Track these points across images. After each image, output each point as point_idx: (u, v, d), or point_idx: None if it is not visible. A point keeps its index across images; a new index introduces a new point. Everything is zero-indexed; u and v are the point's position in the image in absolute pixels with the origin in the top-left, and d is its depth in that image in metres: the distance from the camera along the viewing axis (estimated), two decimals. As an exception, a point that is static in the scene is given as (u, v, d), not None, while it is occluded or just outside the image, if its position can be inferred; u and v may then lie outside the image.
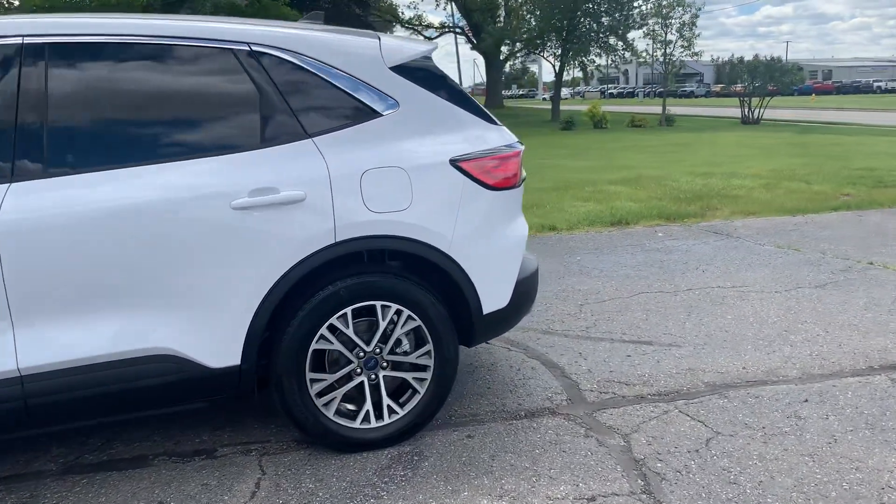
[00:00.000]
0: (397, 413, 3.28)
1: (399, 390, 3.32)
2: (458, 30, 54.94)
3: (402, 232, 3.11)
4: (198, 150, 2.94)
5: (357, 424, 3.22)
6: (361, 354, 3.19)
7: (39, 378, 2.69)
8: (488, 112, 3.53)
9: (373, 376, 3.22)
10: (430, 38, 54.31)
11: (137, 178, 2.81)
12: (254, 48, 3.02)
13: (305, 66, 3.08)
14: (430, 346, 3.27)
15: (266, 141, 3.01)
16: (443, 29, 55.04)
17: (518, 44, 49.26)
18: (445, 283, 3.28)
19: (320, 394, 3.16)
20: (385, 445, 3.27)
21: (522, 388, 3.87)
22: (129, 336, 2.83)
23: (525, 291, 3.55)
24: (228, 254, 2.90)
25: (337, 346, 3.13)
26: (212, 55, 3.00)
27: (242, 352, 2.97)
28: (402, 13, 53.71)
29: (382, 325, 3.18)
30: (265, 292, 2.95)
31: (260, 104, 3.02)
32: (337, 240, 3.01)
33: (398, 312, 3.19)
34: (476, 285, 3.29)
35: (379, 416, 3.25)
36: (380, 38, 3.28)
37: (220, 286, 2.91)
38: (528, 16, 45.62)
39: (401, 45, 3.32)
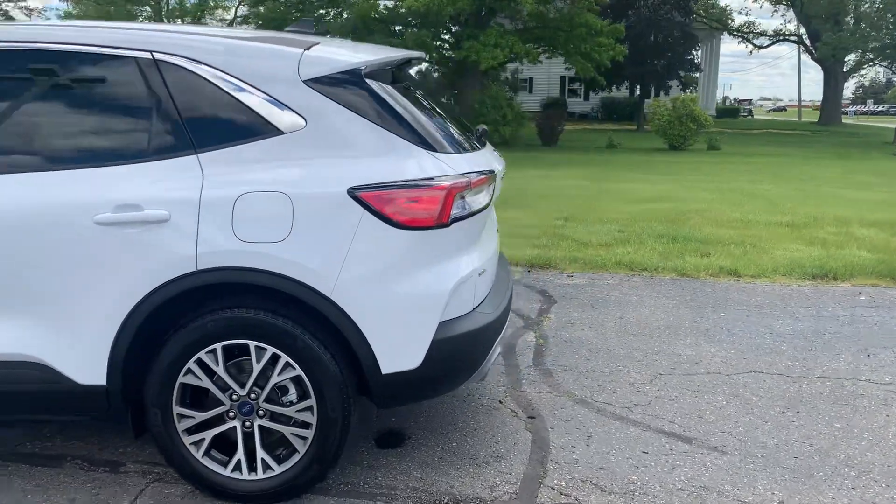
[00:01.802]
0: (272, 469, 2.91)
1: (278, 443, 2.94)
2: (793, 38, 49.96)
3: (273, 267, 2.72)
4: (77, 161, 2.86)
5: (227, 472, 2.92)
6: (235, 397, 2.86)
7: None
8: (445, 136, 2.99)
9: (247, 423, 2.89)
10: (760, 48, 50.15)
11: (7, 185, 2.80)
12: (156, 56, 2.85)
13: (207, 77, 2.83)
14: (312, 401, 2.83)
15: (151, 154, 2.83)
16: (777, 37, 50.43)
17: (869, 54, 43.52)
18: (335, 332, 2.81)
19: (190, 431, 2.91)
20: (259, 501, 2.92)
21: (480, 467, 3.23)
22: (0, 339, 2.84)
23: (454, 354, 2.92)
24: (90, 269, 2.78)
25: (206, 383, 2.86)
26: (110, 63, 2.89)
27: (107, 372, 2.83)
28: (732, 20, 50.22)
29: (257, 368, 2.83)
30: (126, 313, 2.77)
31: (153, 115, 2.85)
32: (199, 268, 2.73)
33: (275, 357, 2.81)
34: (369, 339, 2.77)
35: (252, 469, 2.91)
36: (307, 49, 2.90)
37: (82, 300, 2.80)
38: (881, 21, 40.04)
39: (327, 56, 2.91)
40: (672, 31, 37.31)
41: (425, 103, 3.45)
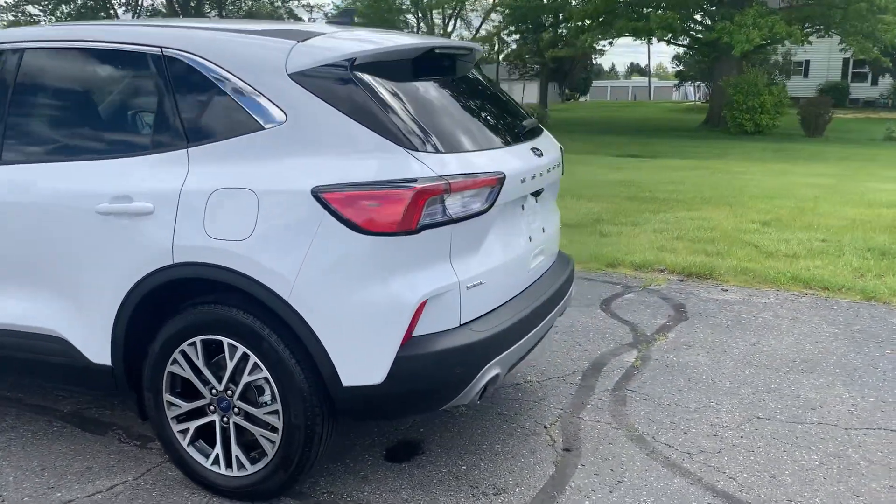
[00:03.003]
0: (245, 469, 2.89)
1: (254, 444, 2.90)
2: None
3: (236, 265, 2.68)
4: (92, 152, 3.05)
5: (208, 464, 2.95)
6: (214, 392, 2.88)
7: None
8: (442, 133, 2.77)
9: (225, 419, 2.90)
10: None
11: (27, 175, 3.06)
12: (165, 52, 2.93)
13: (205, 72, 2.86)
14: (278, 406, 2.76)
15: (151, 147, 2.93)
16: None
17: None
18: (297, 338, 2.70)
19: (178, 419, 2.98)
20: (233, 498, 2.93)
21: (475, 497, 2.96)
22: (28, 313, 3.13)
23: (426, 373, 2.67)
24: (94, 255, 2.95)
25: (189, 374, 2.90)
26: (124, 59, 3.03)
27: (111, 353, 2.99)
28: None
29: (230, 365, 2.83)
30: (121, 299, 2.91)
31: (157, 110, 2.94)
32: (175, 261, 2.78)
33: (245, 356, 2.78)
34: (328, 348, 2.63)
35: (228, 465, 2.92)
36: (301, 41, 2.80)
37: (90, 283, 2.98)
38: None
39: (316, 48, 2.78)
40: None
41: (464, 97, 3.19)
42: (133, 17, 47.31)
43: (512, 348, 2.94)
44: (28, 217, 3.05)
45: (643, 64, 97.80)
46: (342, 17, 3.49)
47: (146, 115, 2.96)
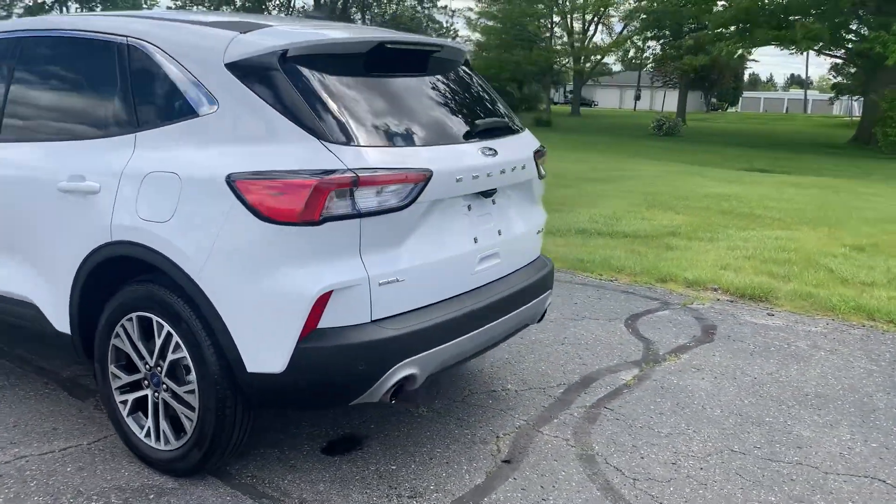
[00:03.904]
0: (171, 443, 3.00)
1: (179, 421, 3.00)
2: None
3: (157, 245, 2.81)
4: (61, 134, 3.28)
5: (141, 436, 3.09)
6: (148, 367, 3.02)
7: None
8: (369, 126, 2.79)
9: (156, 394, 3.02)
10: None
11: (3, 153, 3.34)
12: (129, 41, 3.09)
13: (158, 61, 3.00)
14: (194, 385, 2.85)
15: (109, 130, 3.11)
16: None
17: None
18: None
19: (121, 390, 3.14)
20: (158, 470, 3.04)
21: (389, 499, 2.91)
22: (7, 279, 3.39)
23: (329, 366, 2.68)
24: (55, 228, 3.16)
25: (128, 348, 3.05)
26: (95, 48, 3.21)
27: (69, 322, 3.20)
28: None
29: (158, 343, 2.95)
30: (75, 273, 3.10)
31: (117, 96, 3.12)
32: (112, 239, 2.94)
33: (170, 335, 2.89)
34: (232, 333, 2.69)
35: (157, 438, 3.04)
36: (244, 32, 2.88)
37: (53, 255, 3.21)
38: None
39: (253, 39, 2.84)
40: None
41: (423, 94, 3.16)
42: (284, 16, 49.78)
43: (434, 350, 2.88)
44: (5, 191, 3.30)
45: (810, 75, 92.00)
46: (318, 13, 3.53)
47: (109, 101, 3.13)
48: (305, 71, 2.78)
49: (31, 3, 46.27)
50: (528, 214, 3.57)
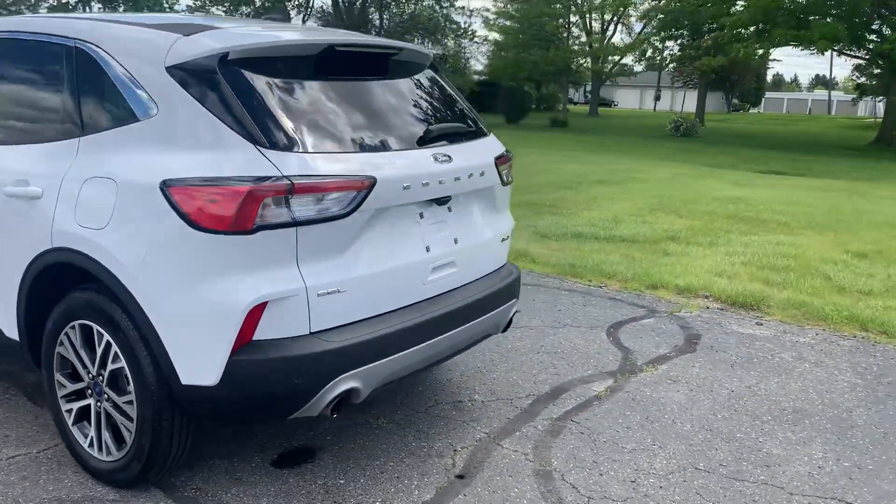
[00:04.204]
0: (112, 454, 2.94)
1: (120, 431, 2.94)
2: None
3: (94, 253, 2.75)
4: (11, 137, 3.22)
5: (85, 445, 3.04)
6: (91, 376, 2.96)
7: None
8: (308, 131, 2.72)
9: (98, 403, 2.96)
10: None
11: None
12: (77, 44, 3.04)
13: (104, 65, 2.94)
14: (132, 396, 2.79)
15: (55, 135, 3.05)
16: None
17: None
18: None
19: (66, 399, 3.09)
20: (104, 482, 2.99)
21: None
22: None
23: (264, 379, 2.60)
24: (2, 232, 3.10)
25: (72, 356, 3.00)
26: (42, 51, 3.16)
27: (17, 329, 3.15)
28: None
29: (99, 351, 2.89)
30: (20, 279, 3.05)
31: (64, 100, 3.06)
32: (53, 245, 2.88)
33: (110, 344, 2.83)
34: (165, 343, 2.63)
35: (100, 448, 2.98)
36: (188, 35, 2.81)
37: (1, 259, 3.14)
38: None
39: (195, 42, 2.76)
40: None
41: (375, 98, 3.07)
42: (303, 19, 50.02)
43: (379, 363, 2.79)
44: None
45: (835, 75, 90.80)
46: (276, 14, 3.45)
47: (56, 103, 3.07)
48: (247, 74, 2.71)
49: (55, 3, 46.87)
50: (490, 222, 3.47)
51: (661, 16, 31.73)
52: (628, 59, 42.87)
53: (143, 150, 2.72)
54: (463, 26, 47.70)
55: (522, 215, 9.05)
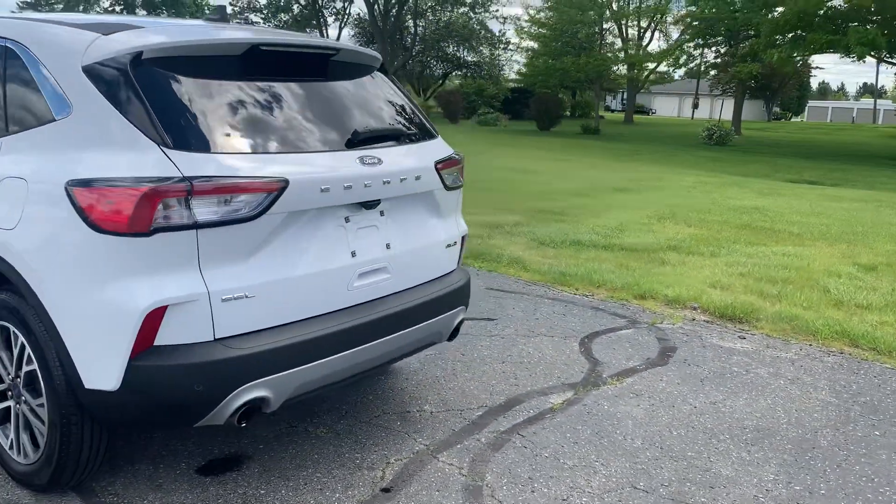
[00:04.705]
0: (29, 457, 2.91)
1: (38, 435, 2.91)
2: None
3: (4, 253, 2.71)
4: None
5: (6, 447, 3.01)
6: (10, 378, 2.93)
7: None
8: (218, 132, 2.67)
9: (17, 405, 2.93)
10: None
11: None
12: (7, 44, 3.03)
13: (29, 64, 2.92)
14: (43, 400, 2.76)
15: (-17, 136, 3.02)
16: None
17: None
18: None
19: (-12, 400, 3.06)
20: (23, 485, 2.96)
21: None
22: None
23: (165, 386, 2.54)
24: None
25: (-9, 358, 2.97)
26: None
27: None
28: None
29: (15, 353, 2.86)
30: None
31: (-6, 100, 3.03)
32: (-31, 247, 2.85)
33: (24, 346, 2.80)
34: (69, 347, 2.59)
35: (19, 451, 2.95)
36: (106, 34, 2.78)
37: None
38: None
39: (111, 42, 2.73)
40: None
41: (303, 99, 3.00)
42: (339, 27, 50.49)
43: (292, 371, 2.72)
44: None
45: (882, 84, 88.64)
46: (216, 14, 3.41)
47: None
48: (160, 73, 2.66)
49: (107, 7, 48.11)
50: (433, 227, 3.38)
51: (696, 23, 31.22)
52: (663, 67, 42.18)
53: (55, 150, 2.69)
54: (497, 34, 47.70)
55: (527, 222, 8.94)
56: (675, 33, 46.11)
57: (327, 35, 51.66)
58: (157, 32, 2.87)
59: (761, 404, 3.94)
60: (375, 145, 3.06)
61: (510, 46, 47.12)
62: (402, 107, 3.45)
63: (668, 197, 12.16)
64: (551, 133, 34.40)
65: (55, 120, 2.73)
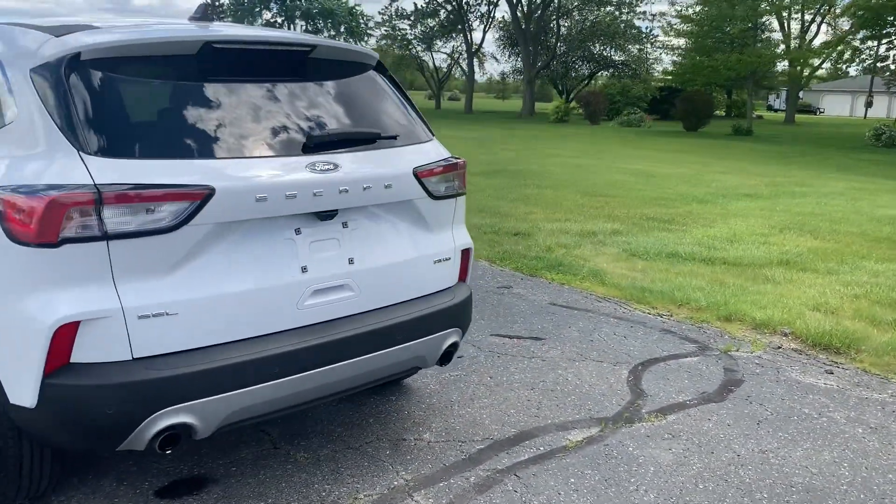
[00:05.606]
0: (-22, 472, 2.86)
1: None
2: None
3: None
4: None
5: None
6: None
7: None
8: (144, 137, 2.53)
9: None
10: None
11: None
12: (-28, 46, 3.01)
13: (-8, 66, 2.88)
14: (-19, 413, 2.69)
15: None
16: None
17: None
18: None
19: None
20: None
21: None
22: None
23: (80, 406, 2.39)
24: None
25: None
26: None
27: None
28: None
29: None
30: None
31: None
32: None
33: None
34: (-7, 361, 2.49)
35: (-29, 466, 2.92)
36: (59, 35, 2.69)
37: None
38: None
39: (60, 42, 2.62)
40: None
41: (261, 101, 2.78)
42: (483, 31, 50.61)
43: (222, 396, 2.49)
44: None
45: None
46: (198, 12, 3.24)
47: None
48: (96, 75, 2.52)
49: (268, 19, 51.05)
50: (415, 240, 3.05)
51: (861, 13, 28.37)
52: (825, 63, 38.90)
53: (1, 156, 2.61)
54: (644, 31, 45.99)
55: (626, 230, 8.35)
56: (846, 25, 42.42)
57: (471, 39, 51.96)
58: (110, 33, 2.74)
59: (824, 457, 3.29)
60: (335, 150, 2.77)
61: (658, 43, 45.25)
62: (389, 109, 3.15)
63: (803, 205, 11.01)
64: (697, 134, 32.60)
65: (5, 125, 2.66)
